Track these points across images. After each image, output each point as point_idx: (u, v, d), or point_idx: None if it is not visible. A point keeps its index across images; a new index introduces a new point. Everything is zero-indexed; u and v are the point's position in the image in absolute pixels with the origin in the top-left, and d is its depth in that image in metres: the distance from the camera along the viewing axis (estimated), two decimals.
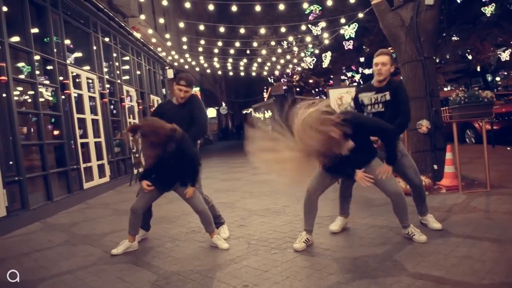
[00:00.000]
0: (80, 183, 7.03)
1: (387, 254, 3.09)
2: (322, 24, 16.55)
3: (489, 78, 27.45)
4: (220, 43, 13.18)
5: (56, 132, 6.63)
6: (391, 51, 4.54)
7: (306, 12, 17.45)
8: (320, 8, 17.36)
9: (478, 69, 26.30)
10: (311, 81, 26.47)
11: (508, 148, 9.15)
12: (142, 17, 11.61)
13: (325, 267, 2.93)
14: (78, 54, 8.13)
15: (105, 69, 8.87)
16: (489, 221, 3.72)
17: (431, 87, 5.58)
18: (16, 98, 5.42)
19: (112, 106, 9.35)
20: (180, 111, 3.86)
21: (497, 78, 27.71)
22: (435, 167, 5.53)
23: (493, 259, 2.78)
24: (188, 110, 3.85)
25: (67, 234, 4.71)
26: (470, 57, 24.12)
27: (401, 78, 6.16)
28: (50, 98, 6.64)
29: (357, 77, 28.52)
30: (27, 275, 3.28)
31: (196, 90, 20.71)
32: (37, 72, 6.07)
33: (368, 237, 3.56)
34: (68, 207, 6.36)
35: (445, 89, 24.71)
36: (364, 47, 23.37)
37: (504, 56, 23.52)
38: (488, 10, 21.61)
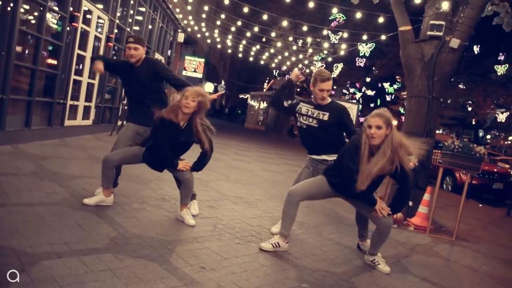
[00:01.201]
0: (62, 119, 6.85)
1: (346, 274, 3.11)
2: (342, 34, 16.53)
3: (480, 134, 28.06)
4: (239, 23, 12.96)
5: (52, 62, 6.42)
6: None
7: (330, 18, 17.40)
8: (345, 18, 17.32)
9: (473, 122, 26.86)
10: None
11: (480, 205, 9.39)
12: None
13: (283, 270, 2.93)
14: None
15: (119, 14, 8.61)
16: (448, 270, 3.80)
17: (430, 127, 5.63)
18: (21, 15, 5.20)
19: (114, 52, 9.11)
20: (137, 72, 3.68)
21: (488, 136, 28.33)
22: (410, 203, 5.61)
23: None
24: (147, 72, 3.66)
25: (36, 166, 4.58)
26: (469, 108, 24.58)
27: (400, 109, 6.19)
28: (55, 26, 6.41)
29: (358, 95, 28.71)
30: None
31: (201, 61, 20.40)
32: None
33: (331, 253, 3.58)
34: (44, 139, 6.19)
35: (437, 131, 25.10)
36: (373, 68, 23.50)
37: (501, 117, 24.05)
38: (501, 69, 21.98)
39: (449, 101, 25.21)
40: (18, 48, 5.59)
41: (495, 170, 11.00)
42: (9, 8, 4.94)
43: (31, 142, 5.80)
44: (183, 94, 3.43)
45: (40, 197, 3.46)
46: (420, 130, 5.64)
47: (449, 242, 4.89)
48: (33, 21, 5.83)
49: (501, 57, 22.72)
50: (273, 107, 3.35)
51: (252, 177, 6.98)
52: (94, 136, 8.06)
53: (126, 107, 8.63)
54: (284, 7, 15.50)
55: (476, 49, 22.65)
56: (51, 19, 6.26)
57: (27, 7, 5.61)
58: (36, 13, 5.79)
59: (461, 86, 22.82)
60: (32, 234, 2.64)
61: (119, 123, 8.62)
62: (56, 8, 6.23)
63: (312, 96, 3.77)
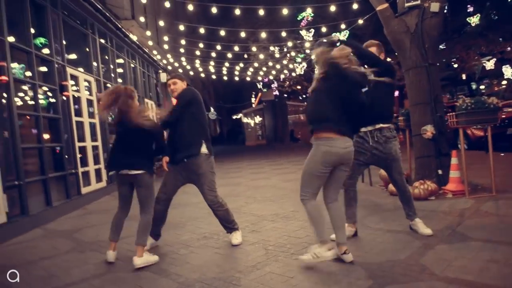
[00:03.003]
0: (78, 188, 6.84)
1: (411, 258, 3.07)
2: (314, 30, 16.72)
3: (474, 86, 28.12)
4: (218, 47, 13.11)
5: (54, 135, 6.44)
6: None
7: (298, 19, 17.62)
8: (312, 15, 17.54)
9: (464, 77, 26.95)
10: (299, 87, 26.61)
11: (502, 154, 9.33)
12: (141, 19, 11.45)
13: (351, 272, 2.89)
14: (75, 56, 7.95)
15: (102, 72, 8.70)
16: (503, 225, 3.75)
17: (436, 93, 5.65)
18: (16, 99, 5.24)
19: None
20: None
21: (482, 87, 28.38)
22: (440, 172, 5.58)
23: None
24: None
25: (71, 241, 4.55)
26: (455, 65, 24.70)
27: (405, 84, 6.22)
28: (49, 100, 6.46)
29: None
30: (38, 285, 3.14)
31: None
32: (37, 73, 5.89)
33: (387, 242, 3.53)
34: (67, 212, 6.18)
35: None
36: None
37: (489, 65, 24.15)
38: (473, 20, 22.19)
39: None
40: (21, 131, 5.62)
41: (504, 116, 10.97)
42: (4, 94, 4.98)
43: (57, 219, 5.78)
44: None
45: (89, 270, 3.43)
46: (426, 99, 5.65)
47: (492, 198, 4.84)
48: (29, 101, 5.88)
49: (470, 9, 22.96)
50: None
51: (277, 191, 6.94)
52: (111, 196, 8.03)
53: None
54: (257, 20, 15.70)
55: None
56: (42, 95, 6.31)
57: (20, 88, 5.66)
58: (29, 93, 5.84)
59: (441, 46, 22.95)
60: None
61: None
62: (45, 83, 6.27)
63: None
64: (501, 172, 6.59)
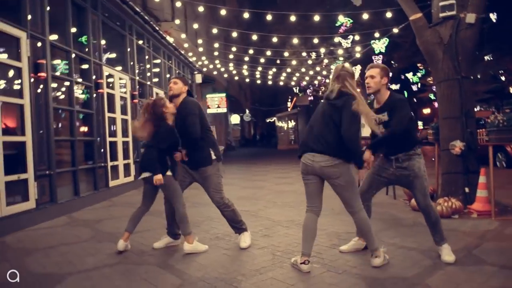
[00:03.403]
0: (106, 181, 7.15)
1: (418, 277, 2.98)
2: (352, 37, 16.50)
3: None
4: (250, 51, 13.26)
5: (86, 129, 6.79)
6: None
7: (336, 25, 17.44)
8: (351, 21, 17.31)
9: (511, 90, 25.56)
10: None
11: None
12: (177, 21, 11.81)
13: (353, 285, 2.85)
14: (112, 55, 8.33)
15: (137, 71, 9.05)
16: None
17: (467, 107, 5.43)
18: (52, 94, 5.58)
19: (139, 107, 9.51)
20: (176, 117, 3.85)
21: None
22: (467, 190, 5.35)
23: None
24: (180, 118, 3.78)
25: (92, 230, 4.78)
26: (503, 78, 23.49)
27: (430, 95, 6.02)
28: (84, 96, 6.82)
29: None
30: (54, 268, 3.35)
31: (222, 96, 20.86)
32: (74, 70, 6.24)
33: (397, 258, 3.44)
34: (94, 203, 6.48)
35: (475, 109, 24.08)
36: (392, 62, 23.11)
37: None
38: None
39: (478, 76, 24.23)
40: (55, 124, 5.97)
41: None
42: (41, 90, 5.31)
43: (82, 209, 6.07)
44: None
45: (102, 259, 3.59)
46: (457, 113, 5.45)
47: None
48: (63, 97, 6.23)
49: None
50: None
51: (298, 197, 6.90)
52: (138, 191, 8.29)
53: None
54: (291, 26, 15.73)
55: (493, 17, 21.85)
56: (79, 90, 6.66)
57: (55, 84, 6.02)
58: (65, 89, 6.19)
59: (487, 57, 21.92)
60: None
61: None
62: (80, 80, 6.63)
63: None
64: None
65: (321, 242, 3.94)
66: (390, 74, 3.59)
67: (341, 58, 17.07)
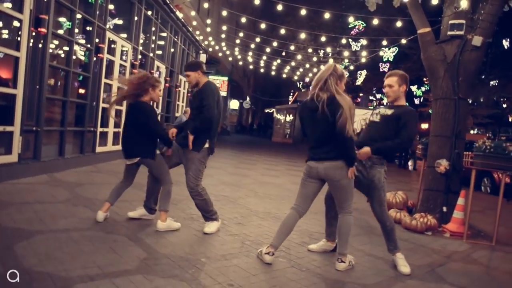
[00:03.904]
0: (93, 146, 7.14)
1: (378, 286, 3.04)
2: (363, 41, 16.43)
3: None
4: (258, 39, 13.16)
5: (81, 92, 6.74)
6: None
7: (349, 26, 17.34)
8: (364, 25, 17.20)
9: (510, 119, 25.70)
10: None
11: None
12: None
13: (313, 284, 2.90)
14: (119, 22, 8.24)
15: (141, 41, 8.96)
16: (488, 277, 3.62)
17: (459, 128, 5.46)
18: (51, 51, 5.53)
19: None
20: (194, 99, 3.87)
21: None
22: (445, 209, 5.42)
23: None
24: (199, 100, 3.75)
25: (70, 193, 4.79)
26: (504, 105, 23.58)
27: (430, 111, 6.06)
28: (83, 58, 6.76)
29: (386, 100, 28.16)
30: (24, 224, 3.36)
31: (225, 79, 20.76)
32: (76, 31, 6.17)
33: (362, 264, 3.50)
34: (77, 166, 6.47)
35: (471, 131, 24.21)
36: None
37: None
38: None
39: (481, 99, 24.29)
40: (50, 82, 5.92)
41: None
42: (40, 45, 5.26)
43: (65, 171, 6.07)
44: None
45: (74, 223, 3.61)
46: (448, 132, 5.48)
47: (489, 248, 4.67)
48: (62, 56, 6.17)
49: None
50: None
51: (281, 191, 6.96)
52: (124, 160, 8.31)
53: None
54: (303, 20, 15.60)
55: (505, 43, 21.83)
56: (79, 52, 6.60)
57: (56, 42, 5.96)
58: (64, 48, 6.13)
59: (492, 82, 21.95)
60: (67, 258, 2.76)
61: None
62: (82, 41, 6.57)
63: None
64: (510, 224, 6.32)
65: (292, 238, 3.99)
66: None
67: (346, 60, 17.00)
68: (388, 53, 17.49)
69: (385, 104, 4.06)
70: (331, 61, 17.56)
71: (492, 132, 27.26)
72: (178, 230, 3.81)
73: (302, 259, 3.44)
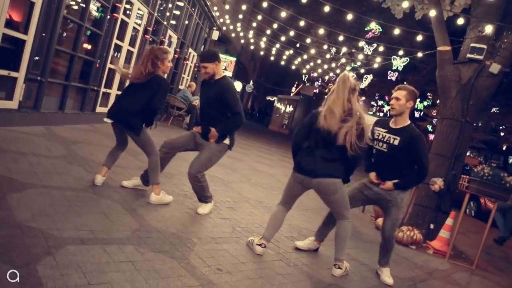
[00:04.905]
0: (94, 105, 7.04)
1: None
2: (376, 46, 16.33)
3: (510, 161, 27.06)
4: (274, 25, 12.99)
5: (90, 48, 6.60)
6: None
7: (366, 29, 17.20)
8: (381, 30, 17.07)
9: (504, 147, 25.96)
10: None
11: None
12: None
13: (299, 282, 2.93)
14: None
15: (157, 7, 8.77)
16: None
17: (460, 151, 5.49)
18: (66, 2, 5.37)
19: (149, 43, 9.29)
20: (212, 87, 3.73)
21: None
22: (432, 226, 5.50)
23: None
24: (219, 92, 3.65)
25: (66, 149, 4.73)
26: (502, 133, 23.79)
27: (428, 126, 6.06)
28: (97, 14, 6.60)
29: (386, 108, 28.23)
30: (18, 175, 3.31)
31: (232, 59, 20.54)
32: None
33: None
34: (76, 123, 6.39)
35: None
36: (405, 82, 23.07)
37: None
38: None
39: (480, 124, 24.44)
40: (61, 34, 5.78)
41: None
42: None
43: (63, 125, 5.99)
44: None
45: (68, 181, 3.57)
46: (449, 153, 5.52)
47: (469, 271, 4.75)
48: (76, 8, 6.02)
49: None
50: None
51: (273, 181, 6.98)
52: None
53: None
54: (321, 14, 15.42)
55: None
56: (94, 8, 6.44)
57: None
58: (80, 2, 5.97)
59: (494, 109, 22.07)
60: (60, 217, 2.73)
61: None
62: None
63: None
64: (492, 250, 6.45)
65: (282, 231, 4.00)
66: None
67: (358, 63, 16.91)
68: (399, 62, 17.42)
69: (386, 114, 3.96)
70: (343, 60, 17.49)
71: (484, 157, 27.57)
72: (169, 204, 3.79)
73: (290, 254, 3.47)
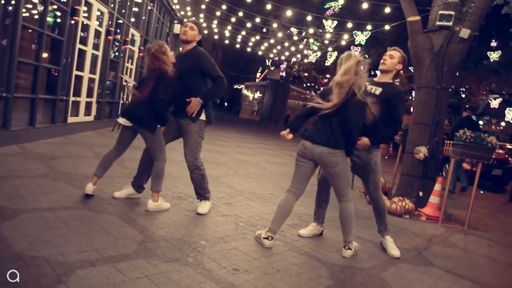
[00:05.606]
0: (65, 116, 6.71)
1: (374, 270, 3.11)
2: (335, 22, 16.41)
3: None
4: (240, 13, 12.73)
5: (54, 57, 6.24)
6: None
7: (325, 6, 17.19)
8: (340, 6, 17.14)
9: (467, 107, 27.05)
10: (306, 74, 26.34)
11: (481, 192, 9.50)
12: None
13: (314, 268, 2.92)
14: None
15: (117, 6, 8.40)
16: (468, 260, 3.83)
17: (439, 117, 5.63)
18: (24, 10, 5.02)
19: (115, 46, 8.92)
20: (185, 59, 3.61)
21: (480, 122, 28.56)
22: (421, 194, 5.64)
23: None
24: (193, 63, 3.55)
25: (46, 166, 4.48)
26: (463, 95, 24.75)
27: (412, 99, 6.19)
28: (57, 20, 6.23)
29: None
30: (5, 202, 3.10)
31: None
32: None
33: None
34: (49, 137, 6.07)
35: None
36: (366, 56, 23.42)
37: (494, 103, 24.25)
38: (493, 56, 22.10)
39: (453, 87, 25.33)
40: (21, 44, 5.41)
41: (493, 156, 11.08)
42: (13, 1, 4.76)
43: (36, 141, 5.68)
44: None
45: (58, 200, 3.38)
46: (429, 121, 5.64)
47: (462, 232, 4.93)
48: (33, 15, 5.65)
49: (494, 43, 22.79)
50: None
51: (259, 170, 6.94)
52: (96, 132, 7.93)
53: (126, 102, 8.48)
54: None
55: None
56: (52, 13, 6.07)
57: (29, 1, 5.43)
58: (38, 7, 5.61)
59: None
60: (60, 241, 2.58)
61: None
62: (56, 2, 6.03)
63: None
64: (476, 209, 6.71)
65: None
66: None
67: (326, 42, 16.99)
68: (361, 37, 17.60)
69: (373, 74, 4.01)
70: (311, 41, 17.49)
71: (448, 119, 28.69)
72: (168, 210, 3.68)
73: (297, 242, 3.46)
